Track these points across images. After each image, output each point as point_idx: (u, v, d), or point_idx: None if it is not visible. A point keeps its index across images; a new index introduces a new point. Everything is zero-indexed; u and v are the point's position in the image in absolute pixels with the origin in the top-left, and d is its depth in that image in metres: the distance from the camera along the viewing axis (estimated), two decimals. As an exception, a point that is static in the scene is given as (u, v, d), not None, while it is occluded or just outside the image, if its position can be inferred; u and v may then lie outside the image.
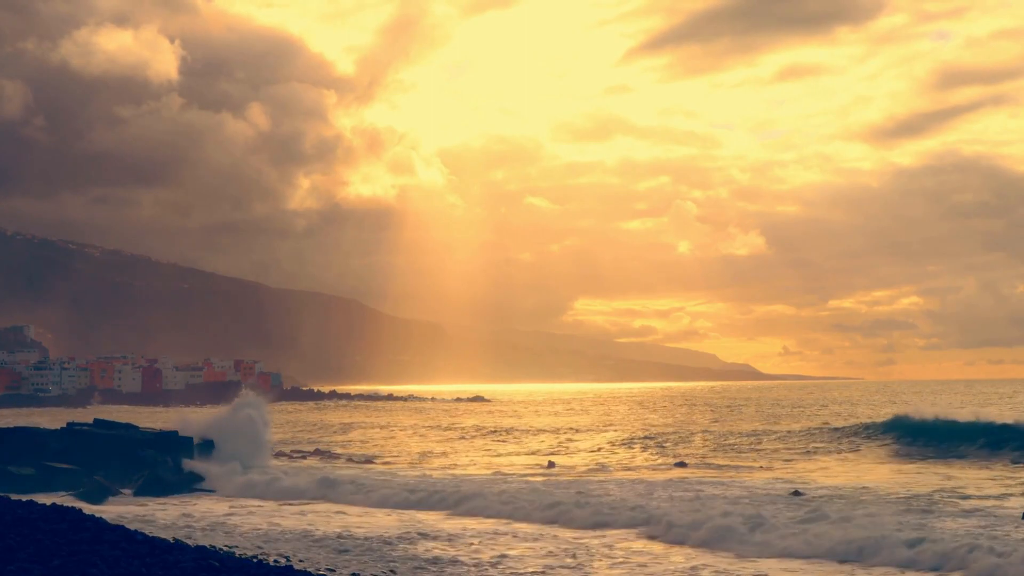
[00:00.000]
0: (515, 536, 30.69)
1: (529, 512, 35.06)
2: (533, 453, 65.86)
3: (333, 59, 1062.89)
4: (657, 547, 28.65)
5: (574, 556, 27.00)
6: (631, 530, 31.36)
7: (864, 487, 41.39)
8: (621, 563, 26.27)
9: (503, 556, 27.02)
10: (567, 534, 31.14)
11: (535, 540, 29.83)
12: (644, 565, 25.98)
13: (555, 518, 34.00)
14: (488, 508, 36.71)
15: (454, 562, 26.36)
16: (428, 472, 53.35)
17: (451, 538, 30.33)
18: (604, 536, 30.57)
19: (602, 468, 54.94)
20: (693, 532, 29.59)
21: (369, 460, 64.59)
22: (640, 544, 29.23)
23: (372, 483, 44.53)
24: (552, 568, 25.51)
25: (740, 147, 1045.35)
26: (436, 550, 28.09)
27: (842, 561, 25.99)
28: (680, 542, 29.06)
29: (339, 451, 71.72)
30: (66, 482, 45.11)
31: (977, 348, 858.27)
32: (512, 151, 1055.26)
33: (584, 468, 55.00)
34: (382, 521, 34.93)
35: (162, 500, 42.83)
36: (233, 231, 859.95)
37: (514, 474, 52.77)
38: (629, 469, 53.95)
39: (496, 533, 31.24)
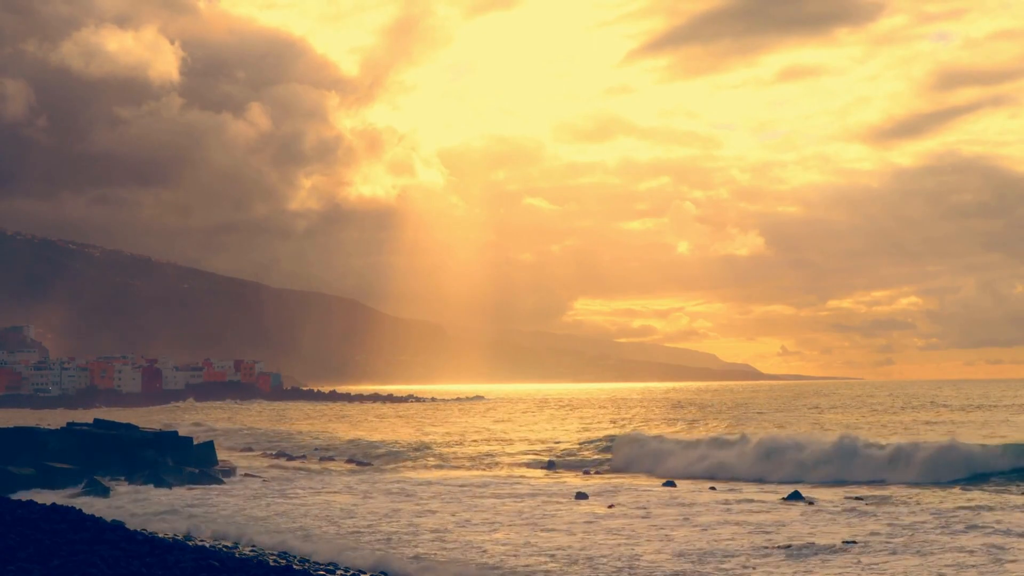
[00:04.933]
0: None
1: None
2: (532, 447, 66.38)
3: (334, 60, 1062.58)
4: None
5: None
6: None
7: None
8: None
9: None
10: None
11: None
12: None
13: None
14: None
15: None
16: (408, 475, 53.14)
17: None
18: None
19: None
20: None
21: (366, 462, 64.73)
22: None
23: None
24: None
25: (740, 147, 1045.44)
26: None
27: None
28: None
29: (335, 453, 71.76)
30: (66, 482, 45.16)
31: (976, 348, 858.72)
32: (513, 152, 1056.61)
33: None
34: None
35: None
36: (233, 231, 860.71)
37: (500, 477, 52.84)
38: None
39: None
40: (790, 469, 49.92)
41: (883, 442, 52.65)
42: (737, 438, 57.87)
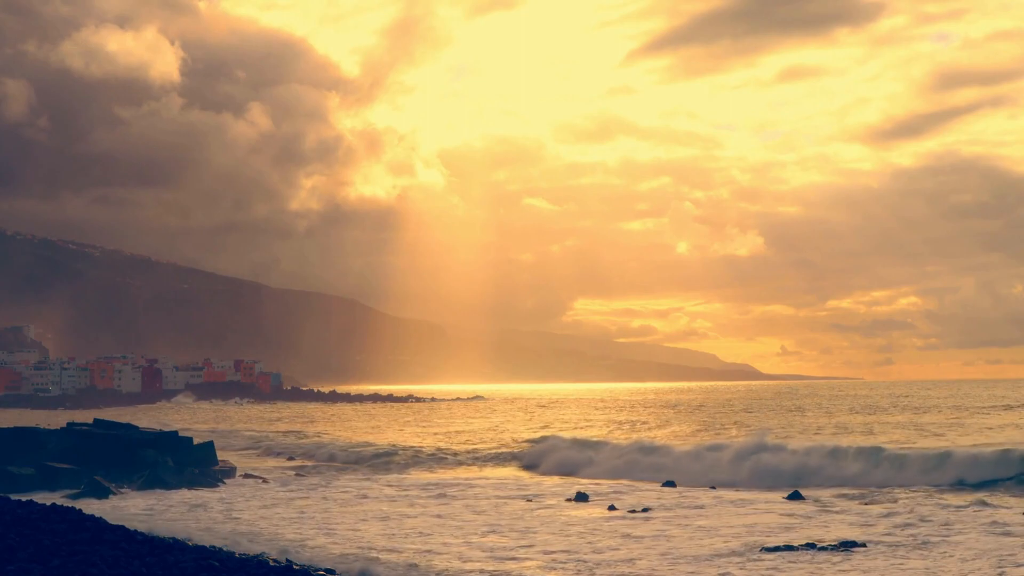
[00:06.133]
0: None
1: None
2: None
3: (335, 61, 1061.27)
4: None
5: None
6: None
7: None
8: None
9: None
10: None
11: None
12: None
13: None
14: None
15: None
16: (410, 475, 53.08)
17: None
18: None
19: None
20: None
21: (364, 463, 64.79)
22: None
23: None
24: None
25: (741, 148, 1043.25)
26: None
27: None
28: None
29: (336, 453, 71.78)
30: (66, 482, 45.12)
31: (975, 348, 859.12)
32: (513, 152, 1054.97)
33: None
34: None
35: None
36: (234, 231, 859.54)
37: (499, 478, 52.88)
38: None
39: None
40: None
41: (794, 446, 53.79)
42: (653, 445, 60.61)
